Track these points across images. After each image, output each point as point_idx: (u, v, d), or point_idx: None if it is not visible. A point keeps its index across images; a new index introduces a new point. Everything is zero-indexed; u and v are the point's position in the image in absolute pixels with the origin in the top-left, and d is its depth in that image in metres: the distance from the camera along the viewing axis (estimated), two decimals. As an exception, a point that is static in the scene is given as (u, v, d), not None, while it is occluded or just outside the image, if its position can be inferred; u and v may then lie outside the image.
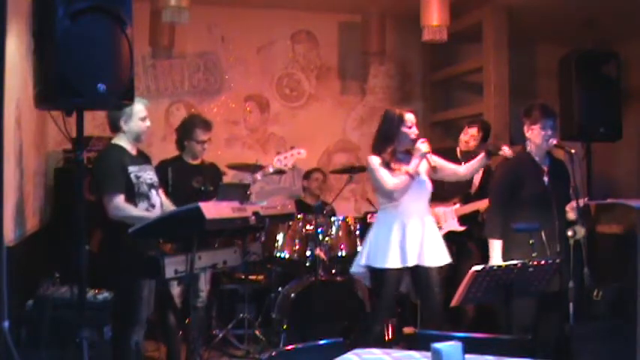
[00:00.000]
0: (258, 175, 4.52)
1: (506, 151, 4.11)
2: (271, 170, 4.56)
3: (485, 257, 4.18)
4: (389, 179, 4.11)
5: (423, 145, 4.07)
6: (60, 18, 3.05)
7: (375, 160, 4.18)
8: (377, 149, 4.20)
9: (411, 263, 4.09)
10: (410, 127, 4.15)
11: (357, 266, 4.26)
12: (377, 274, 4.16)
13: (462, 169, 4.40)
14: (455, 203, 5.10)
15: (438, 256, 4.14)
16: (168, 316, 4.49)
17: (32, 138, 4.80)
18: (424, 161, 4.15)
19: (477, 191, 5.17)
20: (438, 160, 4.29)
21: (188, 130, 4.84)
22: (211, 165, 5.09)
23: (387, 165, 4.12)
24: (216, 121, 6.81)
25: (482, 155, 4.22)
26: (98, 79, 3.12)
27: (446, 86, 7.30)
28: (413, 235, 4.10)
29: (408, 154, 4.17)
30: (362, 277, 4.33)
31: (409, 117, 4.18)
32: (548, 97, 5.42)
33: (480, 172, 5.00)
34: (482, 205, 4.86)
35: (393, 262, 4.09)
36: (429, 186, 4.24)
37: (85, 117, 3.33)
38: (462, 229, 5.06)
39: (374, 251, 4.16)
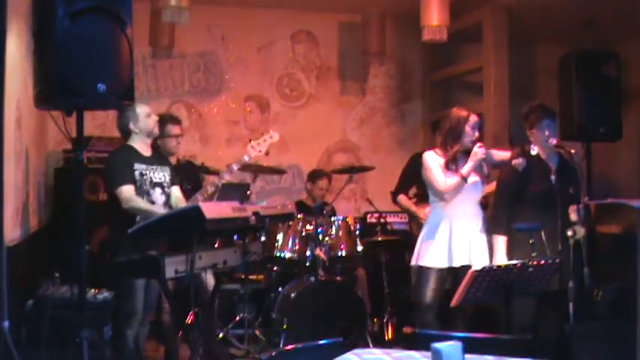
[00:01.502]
0: (234, 165, 4.49)
1: (519, 162, 4.12)
2: (247, 159, 4.51)
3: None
4: (442, 180, 4.15)
5: (480, 150, 4.08)
6: (60, 18, 3.06)
7: (430, 158, 4.22)
8: (444, 147, 4.21)
9: (457, 263, 4.10)
10: (472, 128, 4.17)
11: (413, 267, 4.29)
12: (422, 272, 4.19)
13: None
14: None
15: (485, 257, 4.12)
16: (161, 317, 4.50)
17: (32, 138, 4.80)
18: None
19: None
20: (498, 153, 4.34)
21: (158, 128, 4.85)
22: (187, 163, 5.14)
23: (450, 163, 4.14)
24: (216, 121, 6.85)
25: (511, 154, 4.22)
26: (98, 79, 3.13)
27: (446, 86, 7.30)
28: (460, 235, 4.12)
29: (464, 155, 4.18)
30: None
31: (474, 118, 4.20)
32: (548, 97, 5.41)
33: None
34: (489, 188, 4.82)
35: (439, 261, 4.12)
36: (480, 187, 4.26)
37: (85, 117, 3.34)
38: None
39: (422, 250, 4.21)
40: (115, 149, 4.25)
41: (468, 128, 4.17)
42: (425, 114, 7.23)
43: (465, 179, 4.10)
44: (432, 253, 4.15)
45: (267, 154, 4.59)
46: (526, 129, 4.19)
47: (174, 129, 4.82)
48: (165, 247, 3.77)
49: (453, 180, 4.12)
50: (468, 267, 4.01)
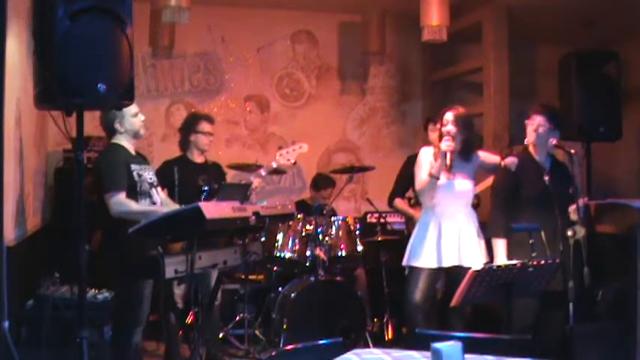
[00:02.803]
0: (262, 171, 4.54)
1: (510, 160, 4.15)
2: (274, 165, 4.58)
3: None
4: (419, 179, 4.18)
5: (444, 144, 4.07)
6: (60, 18, 3.05)
7: (424, 154, 4.24)
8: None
9: (446, 264, 4.11)
10: (444, 125, 4.16)
11: (406, 268, 4.30)
12: (412, 272, 4.20)
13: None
14: None
15: (476, 257, 4.14)
16: (169, 317, 4.50)
17: (32, 138, 4.80)
18: (469, 163, 4.24)
19: None
20: (488, 156, 4.38)
21: (193, 124, 4.94)
22: (214, 164, 5.16)
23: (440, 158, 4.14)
24: (217, 121, 6.78)
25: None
26: (98, 79, 3.12)
27: (446, 86, 7.30)
28: (449, 236, 4.12)
29: (457, 155, 4.19)
30: None
31: (446, 115, 4.19)
32: (548, 97, 5.43)
33: None
34: (484, 185, 4.86)
35: (428, 261, 4.13)
36: (468, 187, 4.25)
37: (85, 117, 3.33)
38: None
39: (413, 250, 4.22)
40: (108, 148, 4.02)
41: (440, 125, 4.19)
42: (425, 114, 7.21)
43: (435, 177, 4.09)
44: (421, 253, 4.16)
45: (294, 163, 4.68)
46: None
47: (207, 126, 4.92)
48: (176, 246, 3.76)
49: (424, 179, 4.14)
50: (459, 267, 4.05)
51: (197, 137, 4.90)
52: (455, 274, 4.10)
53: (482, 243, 4.22)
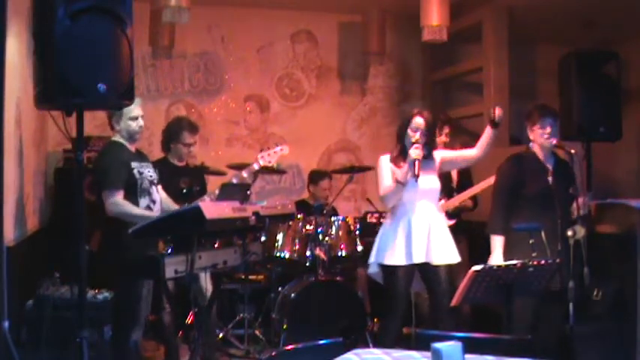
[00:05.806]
0: (244, 173, 4.52)
1: (497, 112, 4.14)
2: (256, 167, 4.56)
3: (473, 248, 4.38)
4: (382, 185, 4.19)
5: (414, 152, 4.05)
6: (60, 18, 3.05)
7: (382, 161, 4.25)
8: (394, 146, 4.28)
9: (417, 260, 4.10)
10: (414, 131, 4.17)
11: (372, 265, 4.29)
12: (386, 271, 4.19)
13: (473, 152, 4.37)
14: (440, 200, 5.09)
15: (446, 255, 4.14)
16: (162, 317, 4.50)
17: (32, 137, 4.81)
18: (431, 160, 4.24)
19: (458, 184, 5.21)
20: (447, 153, 4.40)
21: (175, 132, 4.91)
22: (196, 167, 5.15)
23: (396, 160, 4.18)
24: (216, 121, 6.85)
25: (488, 128, 4.23)
26: (98, 79, 3.12)
27: (446, 86, 7.30)
28: (419, 233, 4.11)
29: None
30: (378, 277, 4.32)
31: (416, 120, 4.19)
32: (548, 97, 5.41)
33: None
34: (464, 196, 4.93)
35: (399, 259, 4.11)
36: (435, 184, 4.24)
37: (85, 117, 3.33)
38: (451, 223, 5.05)
39: (382, 249, 4.21)
40: (107, 146, 4.05)
41: (409, 131, 4.19)
42: (425, 114, 7.22)
43: (400, 183, 4.10)
44: (392, 251, 4.13)
45: (274, 167, 4.68)
46: (527, 128, 4.21)
47: (189, 138, 4.90)
48: (162, 247, 3.76)
49: (389, 184, 4.14)
50: (427, 264, 4.10)
51: (177, 147, 4.89)
52: (424, 271, 4.15)
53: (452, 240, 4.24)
